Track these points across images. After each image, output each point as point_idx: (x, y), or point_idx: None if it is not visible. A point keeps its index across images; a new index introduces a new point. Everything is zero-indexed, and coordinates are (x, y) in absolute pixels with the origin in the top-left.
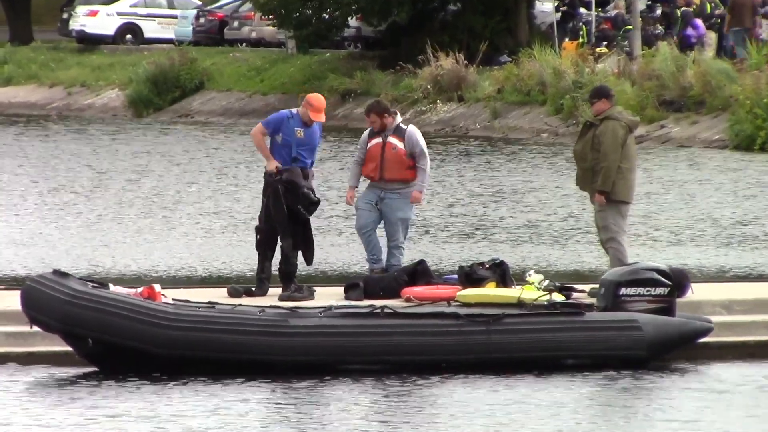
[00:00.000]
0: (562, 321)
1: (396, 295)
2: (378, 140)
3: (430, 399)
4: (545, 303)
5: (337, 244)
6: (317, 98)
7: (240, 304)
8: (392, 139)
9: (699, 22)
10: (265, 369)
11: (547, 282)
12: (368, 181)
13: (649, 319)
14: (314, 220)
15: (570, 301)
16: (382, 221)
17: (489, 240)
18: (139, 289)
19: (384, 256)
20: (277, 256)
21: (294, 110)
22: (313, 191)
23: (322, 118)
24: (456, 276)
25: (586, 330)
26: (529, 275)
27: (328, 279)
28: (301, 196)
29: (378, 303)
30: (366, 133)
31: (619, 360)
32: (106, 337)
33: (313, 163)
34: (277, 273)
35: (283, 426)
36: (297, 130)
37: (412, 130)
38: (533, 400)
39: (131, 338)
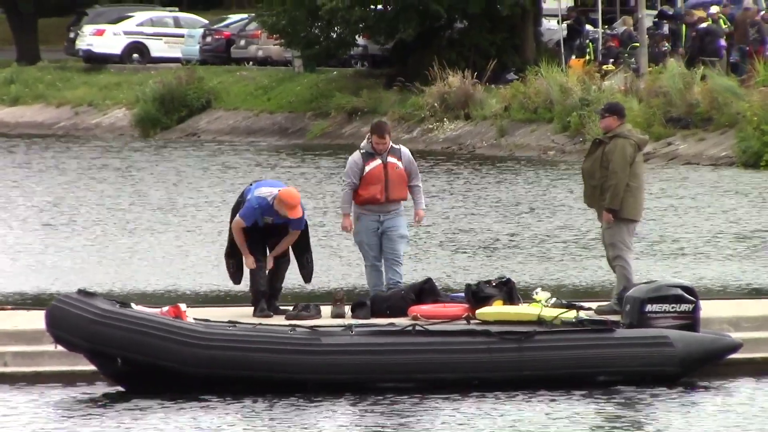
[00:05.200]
0: (594, 338)
1: (403, 313)
2: (377, 162)
3: (437, 417)
4: (573, 320)
5: (337, 262)
6: (290, 195)
7: (260, 324)
8: (392, 160)
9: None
10: (294, 387)
11: (554, 300)
12: (357, 209)
13: (679, 336)
14: (314, 238)
15: (598, 318)
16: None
17: (495, 257)
18: (165, 309)
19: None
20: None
21: (270, 199)
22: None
23: (299, 213)
24: (463, 294)
25: (618, 347)
26: (536, 293)
27: (317, 297)
28: None
29: (402, 321)
30: (358, 157)
31: (652, 376)
32: (137, 356)
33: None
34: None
35: None
36: (265, 218)
37: (405, 149)
38: (548, 417)
39: (163, 357)
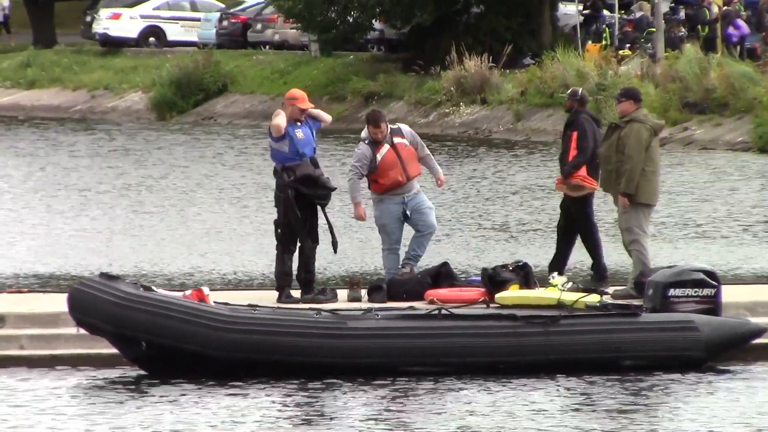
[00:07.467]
0: (619, 322)
1: (420, 297)
2: (387, 148)
3: (442, 401)
4: (598, 304)
5: (354, 246)
6: (295, 90)
7: (279, 307)
8: (397, 140)
9: (741, 21)
10: (318, 371)
11: (570, 284)
12: (379, 195)
13: (704, 320)
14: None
15: (622, 302)
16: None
17: (511, 241)
18: (188, 292)
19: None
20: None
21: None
22: (328, 178)
23: (309, 104)
24: (479, 278)
25: (644, 331)
26: (552, 277)
27: (331, 281)
28: (320, 185)
29: (419, 305)
30: (366, 148)
31: (676, 361)
32: (162, 340)
33: (314, 150)
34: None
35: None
36: (297, 132)
37: (404, 126)
38: (559, 402)
39: (188, 341)
